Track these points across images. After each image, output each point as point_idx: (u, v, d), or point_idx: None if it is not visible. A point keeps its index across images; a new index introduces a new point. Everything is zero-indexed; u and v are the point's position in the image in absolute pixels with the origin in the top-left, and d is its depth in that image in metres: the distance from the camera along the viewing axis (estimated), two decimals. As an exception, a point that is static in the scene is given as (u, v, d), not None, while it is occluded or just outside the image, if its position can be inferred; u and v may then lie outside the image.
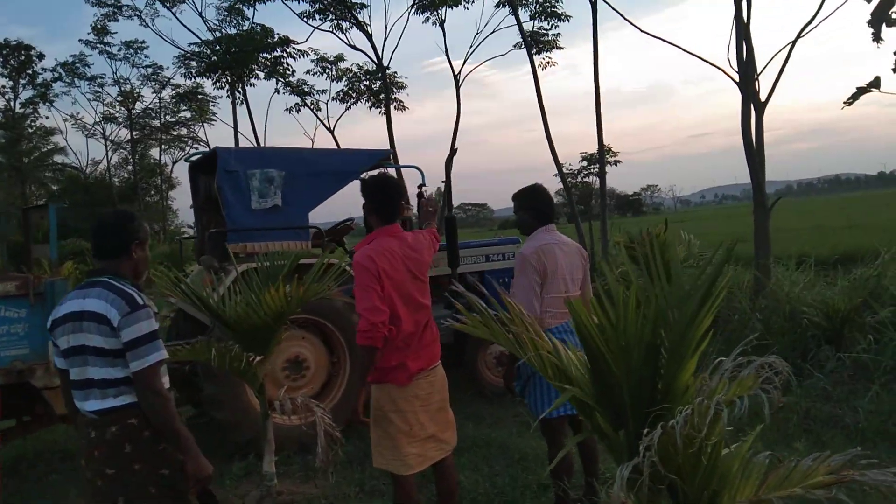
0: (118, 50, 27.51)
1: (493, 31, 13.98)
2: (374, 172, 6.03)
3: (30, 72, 32.13)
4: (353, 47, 13.80)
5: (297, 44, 15.01)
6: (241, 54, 13.28)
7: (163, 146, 28.94)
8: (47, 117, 35.87)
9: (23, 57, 31.49)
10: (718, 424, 2.36)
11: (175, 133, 27.68)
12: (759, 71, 7.73)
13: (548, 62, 13.41)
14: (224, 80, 15.47)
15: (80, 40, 31.48)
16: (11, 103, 33.02)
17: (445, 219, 6.74)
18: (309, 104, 15.47)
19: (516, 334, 2.59)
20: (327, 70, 14.23)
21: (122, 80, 27.69)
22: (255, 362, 4.37)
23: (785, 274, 7.69)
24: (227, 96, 16.09)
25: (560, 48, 14.30)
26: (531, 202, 4.05)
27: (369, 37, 13.59)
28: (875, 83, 6.94)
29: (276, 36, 14.68)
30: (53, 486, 5.09)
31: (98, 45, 27.54)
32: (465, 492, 4.31)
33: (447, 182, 6.98)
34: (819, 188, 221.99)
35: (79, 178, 32.47)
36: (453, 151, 7.12)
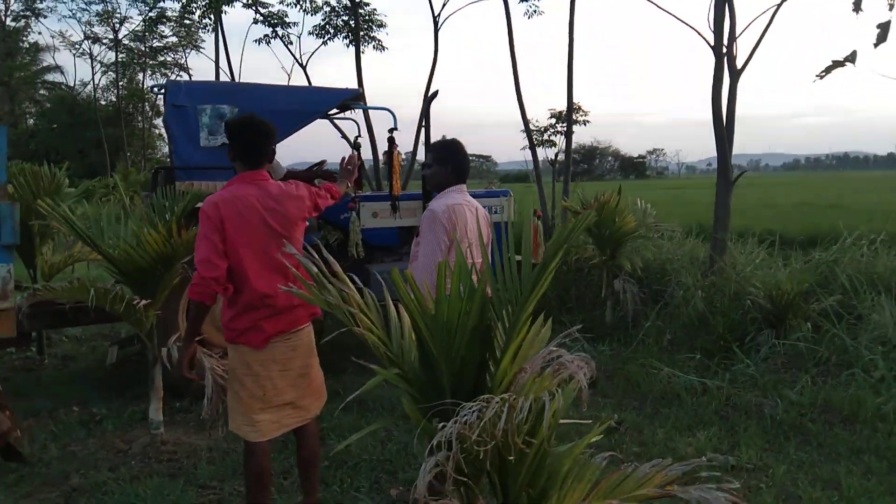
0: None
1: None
2: (218, 108, 5.72)
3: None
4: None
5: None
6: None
7: (148, 71, 28.28)
8: (39, 33, 34.71)
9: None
10: (539, 420, 2.14)
11: (161, 59, 26.97)
12: (738, 34, 7.31)
13: (535, 11, 12.82)
14: (195, 3, 14.89)
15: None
16: (2, 16, 32.17)
17: (423, 165, 6.44)
18: (281, 36, 14.86)
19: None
20: (301, 1, 13.64)
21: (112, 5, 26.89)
22: (139, 305, 4.14)
23: (742, 251, 7.44)
24: (200, 24, 15.45)
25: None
26: (450, 157, 3.74)
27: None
28: (851, 57, 6.56)
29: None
30: None
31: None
32: (351, 455, 4.13)
33: (426, 127, 6.64)
34: (826, 164, 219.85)
35: (65, 98, 31.82)
36: (433, 94, 6.74)
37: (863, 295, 5.95)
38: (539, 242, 6.68)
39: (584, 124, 11.99)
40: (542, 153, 11.56)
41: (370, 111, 9.85)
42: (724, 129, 7.34)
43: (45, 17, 32.00)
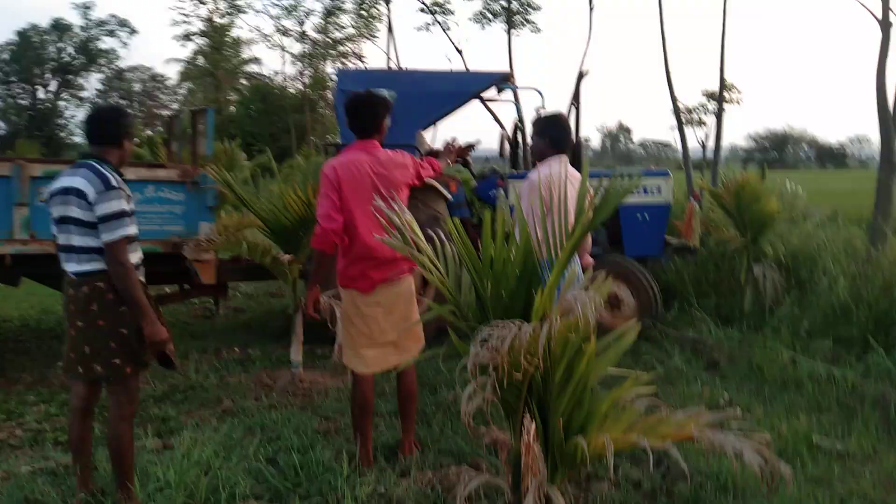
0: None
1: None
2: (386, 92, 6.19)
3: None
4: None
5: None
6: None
7: (330, 60, 30.42)
8: (241, 28, 38.39)
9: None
10: (578, 357, 2.37)
11: (341, 49, 28.94)
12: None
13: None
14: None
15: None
16: (212, 13, 35.90)
17: (574, 143, 6.67)
18: (440, 23, 15.45)
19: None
20: (459, -11, 14.13)
21: None
22: (283, 259, 4.78)
23: (905, 242, 6.87)
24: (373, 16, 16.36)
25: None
26: (546, 128, 3.98)
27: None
28: None
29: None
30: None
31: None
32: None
33: (577, 105, 6.83)
34: None
35: (259, 86, 34.98)
36: (583, 73, 6.91)
37: None
38: (693, 227, 6.62)
39: (738, 103, 11.39)
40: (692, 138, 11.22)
41: (521, 92, 10.15)
42: (888, 111, 6.81)
43: (246, 13, 35.26)
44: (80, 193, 2.97)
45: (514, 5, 13.40)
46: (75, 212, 2.98)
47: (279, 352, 5.72)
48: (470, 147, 7.29)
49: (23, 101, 47.96)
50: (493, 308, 2.47)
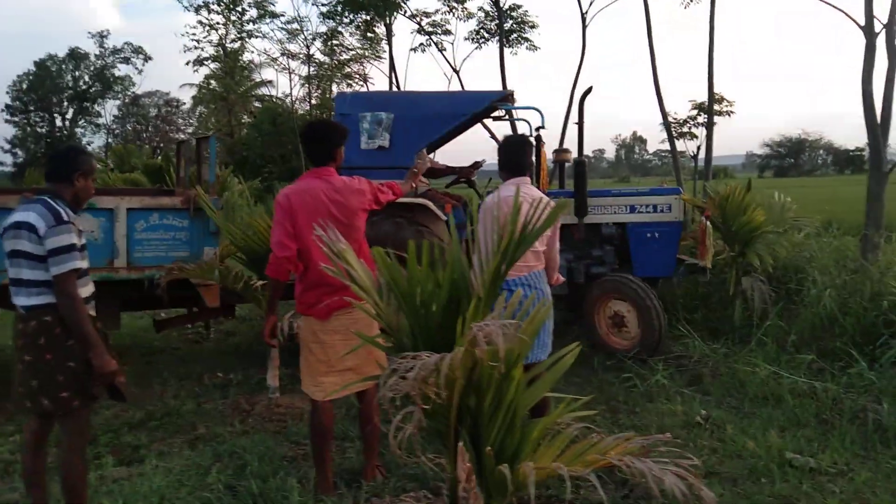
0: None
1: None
2: (377, 115, 6.23)
3: (239, 10, 35.22)
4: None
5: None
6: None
7: (336, 81, 30.69)
8: (252, 52, 38.91)
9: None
10: (506, 381, 2.35)
11: (347, 70, 29.21)
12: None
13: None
14: (364, 19, 15.99)
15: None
16: (224, 39, 36.43)
17: (575, 162, 6.63)
18: (436, 43, 15.56)
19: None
20: (454, 10, 14.19)
21: (300, 19, 29.56)
22: (255, 285, 4.80)
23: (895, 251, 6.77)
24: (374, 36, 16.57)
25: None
26: (503, 153, 4.01)
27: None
28: None
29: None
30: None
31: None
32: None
33: (580, 123, 6.79)
34: None
35: (269, 109, 35.37)
36: (587, 90, 6.89)
37: None
38: (707, 245, 6.38)
39: (729, 115, 11.31)
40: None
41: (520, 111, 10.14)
42: (875, 118, 6.73)
43: (257, 37, 35.85)
44: (31, 228, 3.01)
45: (510, 24, 13.48)
46: (26, 245, 3.03)
47: (260, 377, 5.73)
48: (476, 165, 7.32)
49: (41, 129, 48.95)
50: (422, 337, 2.46)
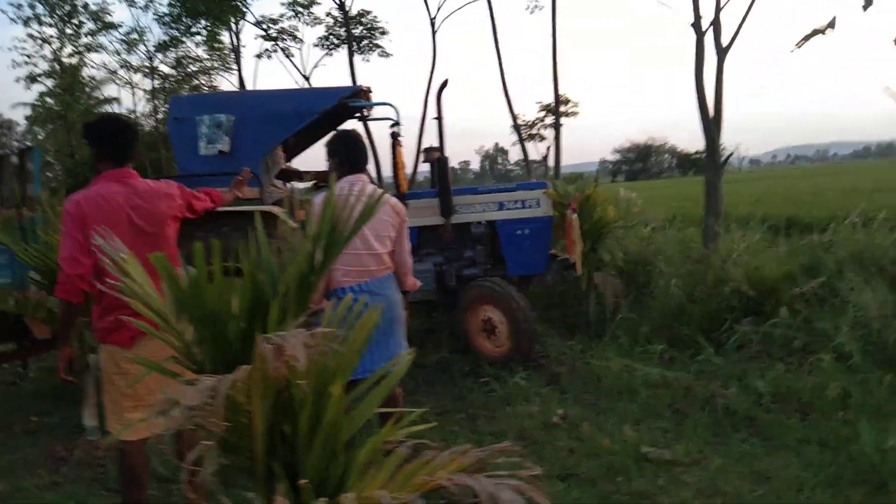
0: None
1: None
2: (216, 117, 5.76)
3: (76, 22, 32.75)
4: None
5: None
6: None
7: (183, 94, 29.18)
8: (94, 67, 36.16)
9: (68, 7, 32.06)
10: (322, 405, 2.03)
11: (196, 83, 27.85)
12: (720, 7, 6.99)
13: (536, 6, 12.64)
14: (205, 26, 15.29)
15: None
16: (58, 52, 33.76)
17: (437, 159, 6.30)
18: (283, 49, 15.11)
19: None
20: (300, 15, 13.83)
21: (141, 30, 28.01)
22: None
23: (734, 239, 7.06)
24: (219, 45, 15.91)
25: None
26: (337, 148, 3.69)
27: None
28: (831, 24, 6.19)
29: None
30: None
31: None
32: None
33: (439, 118, 6.48)
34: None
35: (112, 126, 33.15)
36: (444, 84, 6.57)
37: (850, 277, 5.55)
38: (574, 239, 6.20)
39: (574, 115, 11.67)
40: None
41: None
42: (708, 112, 7.02)
43: (96, 51, 33.44)
44: None
45: (360, 30, 13.22)
46: None
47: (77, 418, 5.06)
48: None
49: None
50: (220, 354, 2.09)
